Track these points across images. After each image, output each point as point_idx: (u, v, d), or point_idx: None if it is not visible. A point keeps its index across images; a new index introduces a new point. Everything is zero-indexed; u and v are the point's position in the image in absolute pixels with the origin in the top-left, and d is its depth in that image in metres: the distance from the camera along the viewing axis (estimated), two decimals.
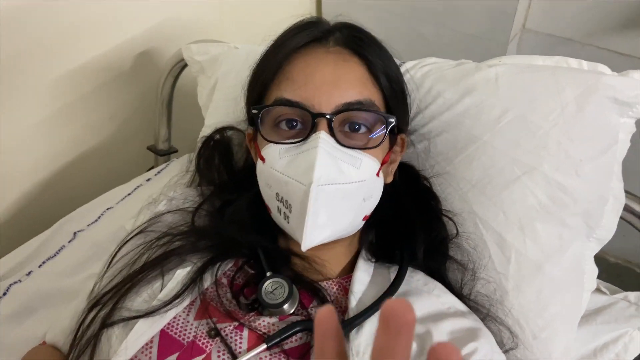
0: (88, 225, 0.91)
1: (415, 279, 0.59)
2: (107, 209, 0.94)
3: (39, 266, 0.87)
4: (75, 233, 0.91)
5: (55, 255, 0.88)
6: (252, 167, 0.64)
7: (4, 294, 0.82)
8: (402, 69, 0.70)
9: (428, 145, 0.67)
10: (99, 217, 0.93)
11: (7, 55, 0.84)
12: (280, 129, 0.56)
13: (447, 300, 0.57)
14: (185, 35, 1.06)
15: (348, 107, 0.54)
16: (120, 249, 0.63)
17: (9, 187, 0.97)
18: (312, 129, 0.53)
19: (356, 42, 0.59)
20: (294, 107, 0.54)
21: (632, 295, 0.69)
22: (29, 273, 0.85)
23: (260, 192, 0.59)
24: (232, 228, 0.60)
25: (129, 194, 0.96)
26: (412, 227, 0.61)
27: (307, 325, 0.53)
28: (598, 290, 0.70)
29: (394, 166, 0.63)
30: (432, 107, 0.67)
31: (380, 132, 0.56)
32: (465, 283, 0.62)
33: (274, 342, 0.51)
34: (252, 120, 0.59)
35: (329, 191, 0.51)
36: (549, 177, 0.61)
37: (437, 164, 0.66)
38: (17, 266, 0.87)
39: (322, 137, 0.52)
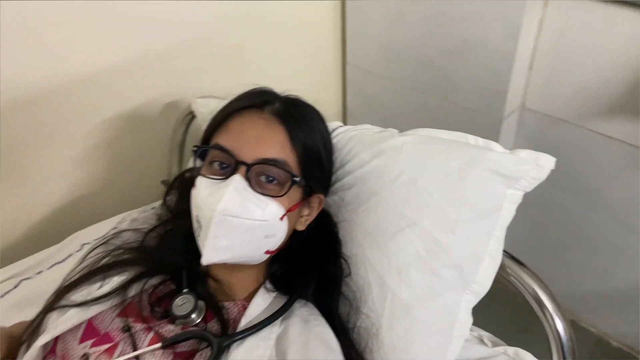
0: (94, 240, 1.09)
1: (304, 310, 0.70)
2: (113, 229, 1.12)
3: (48, 268, 1.05)
4: (82, 245, 1.09)
5: (63, 261, 1.06)
6: None
7: (15, 287, 1.00)
8: (336, 132, 0.84)
9: (342, 195, 0.79)
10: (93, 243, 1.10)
11: (56, 100, 1.07)
12: (213, 167, 0.68)
13: (321, 330, 0.67)
14: (202, 92, 1.26)
15: (264, 162, 0.66)
16: (88, 254, 0.79)
17: (41, 206, 1.18)
18: (233, 172, 0.66)
19: (284, 115, 0.70)
20: (223, 151, 0.67)
21: (510, 350, 0.74)
22: (39, 272, 1.04)
23: (186, 223, 0.72)
24: (165, 249, 0.74)
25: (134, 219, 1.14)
26: (309, 266, 0.72)
27: (198, 334, 0.64)
28: (481, 342, 0.76)
29: (309, 218, 0.74)
30: (349, 164, 0.79)
31: (287, 185, 0.68)
32: (350, 317, 0.71)
33: (167, 343, 0.63)
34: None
35: (230, 222, 0.63)
36: (427, 231, 0.71)
37: (346, 212, 0.77)
38: (32, 266, 1.05)
39: (236, 179, 0.64)
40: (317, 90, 1.71)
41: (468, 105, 1.43)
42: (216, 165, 0.68)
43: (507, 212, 0.71)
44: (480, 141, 0.75)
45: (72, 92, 1.10)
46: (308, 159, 0.71)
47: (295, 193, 0.70)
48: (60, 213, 1.22)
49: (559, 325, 0.69)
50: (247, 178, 0.65)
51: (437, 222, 0.71)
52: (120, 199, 1.28)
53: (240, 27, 1.34)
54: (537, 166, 0.70)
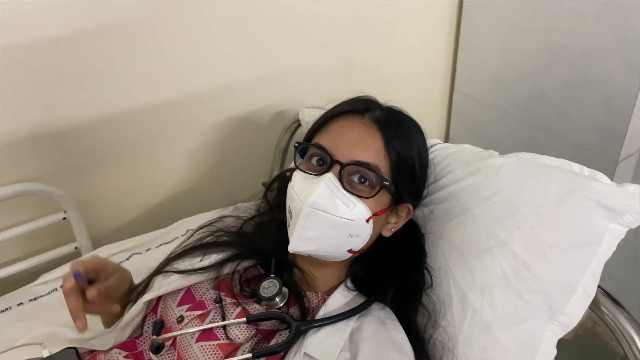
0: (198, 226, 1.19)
1: (381, 312, 0.72)
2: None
3: (157, 247, 1.16)
4: (187, 230, 1.19)
5: (169, 242, 1.17)
6: None
7: (127, 259, 1.12)
8: (434, 148, 0.85)
9: (432, 209, 0.80)
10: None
11: (181, 99, 1.20)
12: (311, 162, 0.73)
13: (396, 334, 0.68)
14: (310, 103, 1.33)
15: (357, 164, 0.69)
16: (194, 233, 0.87)
17: (155, 192, 1.31)
18: (328, 169, 0.70)
19: (384, 122, 0.73)
20: (320, 150, 0.71)
21: None
22: (148, 249, 1.15)
23: (281, 215, 0.77)
24: (259, 237, 0.80)
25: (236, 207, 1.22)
26: (391, 271, 0.74)
27: (280, 316, 0.69)
28: None
29: (395, 226, 0.76)
30: (444, 179, 0.81)
31: (377, 188, 0.70)
32: (427, 328, 0.71)
33: (251, 319, 0.68)
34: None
35: (319, 215, 0.66)
36: (517, 254, 0.69)
37: (434, 225, 0.78)
38: (143, 244, 1.17)
39: (329, 177, 0.68)
40: (422, 113, 1.70)
41: (580, 143, 1.36)
42: (314, 161, 0.72)
43: (608, 247, 0.68)
44: (586, 170, 0.73)
45: (203, 99, 1.23)
46: (401, 167, 0.73)
47: (384, 198, 0.72)
48: (170, 200, 1.34)
49: None
50: (340, 177, 0.69)
51: (528, 245, 0.69)
52: (224, 194, 1.38)
53: (353, 45, 1.41)
54: None
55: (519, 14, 1.37)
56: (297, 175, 0.72)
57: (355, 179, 0.70)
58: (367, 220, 0.70)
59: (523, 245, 0.70)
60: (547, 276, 0.68)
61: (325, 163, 0.71)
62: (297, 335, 0.66)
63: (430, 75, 1.66)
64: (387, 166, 0.72)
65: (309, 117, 1.17)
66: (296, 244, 0.68)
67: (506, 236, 0.71)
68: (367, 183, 0.70)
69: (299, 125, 1.25)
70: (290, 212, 0.71)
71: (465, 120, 1.69)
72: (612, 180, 1.34)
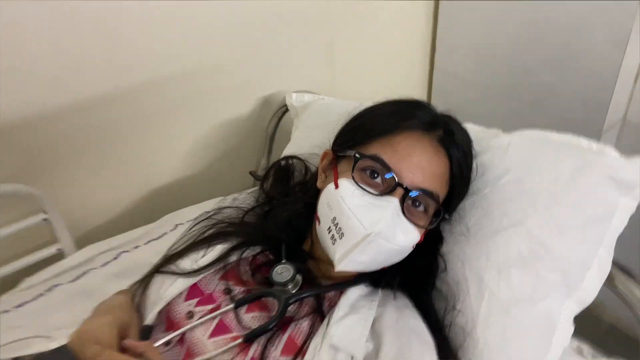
0: (187, 221, 1.15)
1: (398, 301, 0.71)
2: (205, 212, 1.17)
3: (145, 243, 1.11)
4: (176, 225, 1.14)
5: (158, 238, 1.12)
6: (302, 187, 0.82)
7: (115, 258, 1.07)
8: None
9: None
10: (197, 217, 1.16)
11: (160, 82, 1.15)
12: (365, 174, 0.68)
13: (415, 323, 0.67)
14: (295, 87, 1.29)
15: (423, 192, 0.66)
16: (193, 226, 0.83)
17: (140, 187, 1.26)
18: (390, 191, 0.65)
19: (451, 145, 0.70)
20: (386, 169, 0.66)
21: None
22: (136, 247, 1.10)
23: (298, 205, 0.76)
24: (266, 225, 0.77)
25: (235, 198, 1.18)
26: (400, 264, 0.71)
27: (264, 293, 0.67)
28: (580, 353, 0.73)
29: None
30: None
31: (433, 219, 0.69)
32: (446, 313, 0.70)
33: (240, 303, 0.66)
34: (340, 150, 0.73)
35: (379, 243, 0.63)
36: (532, 232, 0.68)
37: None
38: (130, 241, 1.12)
39: (395, 203, 0.64)
40: (402, 92, 1.70)
41: (565, 116, 1.37)
42: (367, 172, 0.68)
43: (620, 221, 0.68)
44: (594, 145, 0.72)
45: (183, 82, 1.17)
46: (458, 192, 0.72)
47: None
48: (154, 194, 1.29)
49: None
50: (401, 202, 0.66)
51: (543, 224, 0.69)
52: (210, 184, 1.34)
53: (332, 26, 1.37)
54: None
55: None
56: (350, 188, 0.67)
57: (411, 202, 0.67)
58: (414, 246, 0.68)
59: (538, 223, 0.69)
60: (563, 253, 0.67)
61: (382, 179, 0.67)
62: (286, 307, 0.64)
63: (410, 52, 1.64)
64: (445, 192, 0.70)
65: (297, 102, 1.14)
66: (346, 266, 0.64)
67: (520, 215, 0.70)
68: (421, 208, 0.68)
69: (286, 110, 1.21)
70: (338, 228, 0.65)
71: (447, 99, 1.68)
72: None
